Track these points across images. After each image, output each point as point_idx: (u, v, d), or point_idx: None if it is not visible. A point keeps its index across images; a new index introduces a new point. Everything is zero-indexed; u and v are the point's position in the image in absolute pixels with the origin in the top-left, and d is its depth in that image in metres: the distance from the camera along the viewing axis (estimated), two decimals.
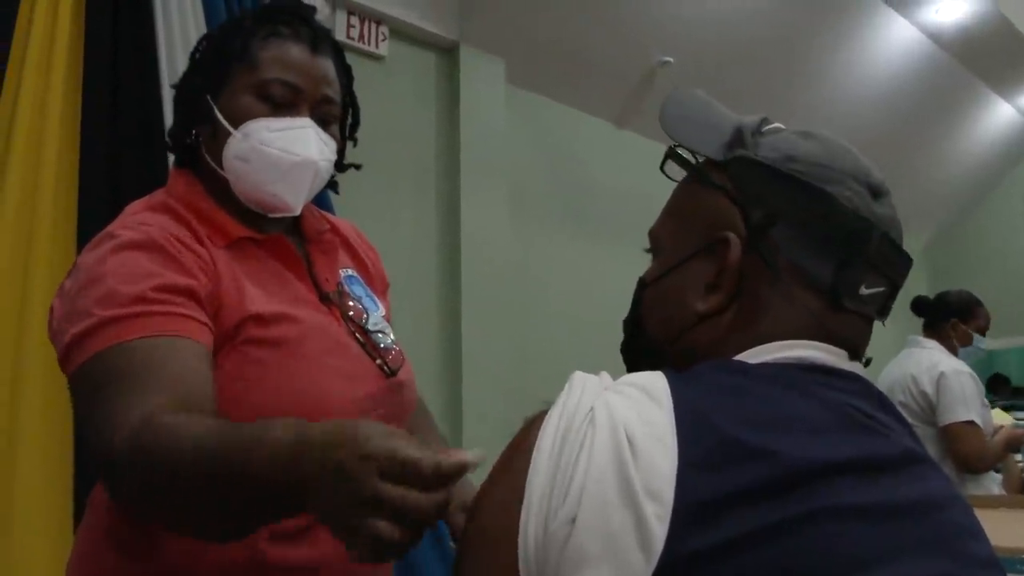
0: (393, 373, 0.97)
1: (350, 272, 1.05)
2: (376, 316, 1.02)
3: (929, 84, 4.99)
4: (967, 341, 2.72)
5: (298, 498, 0.58)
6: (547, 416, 0.55)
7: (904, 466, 0.55)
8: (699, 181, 0.67)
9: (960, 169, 6.02)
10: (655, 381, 0.55)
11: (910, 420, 1.38)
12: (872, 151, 0.69)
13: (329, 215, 1.10)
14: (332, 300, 0.97)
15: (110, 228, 0.86)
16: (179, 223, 0.89)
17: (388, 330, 1.02)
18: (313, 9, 1.00)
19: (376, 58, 3.19)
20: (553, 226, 3.89)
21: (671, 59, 4.01)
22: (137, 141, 2.02)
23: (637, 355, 0.71)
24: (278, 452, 0.59)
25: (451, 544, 1.07)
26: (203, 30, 2.19)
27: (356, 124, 1.07)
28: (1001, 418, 3.33)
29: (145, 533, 0.85)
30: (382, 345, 0.98)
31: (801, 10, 4.10)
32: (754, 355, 0.60)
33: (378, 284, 1.10)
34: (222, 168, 0.93)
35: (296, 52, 0.93)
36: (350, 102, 1.04)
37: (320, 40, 0.96)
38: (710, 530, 0.46)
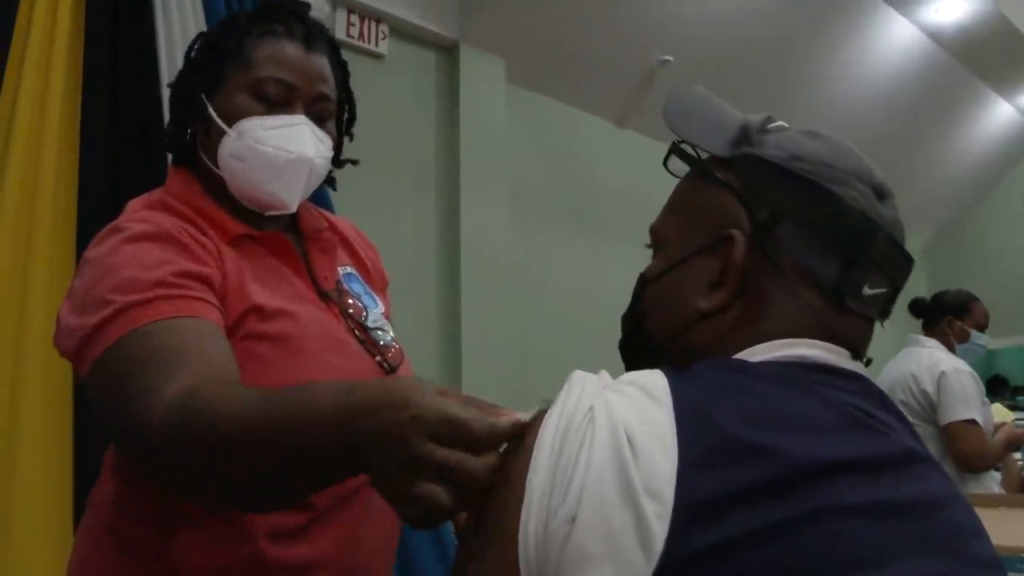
0: (393, 370, 0.97)
1: (349, 270, 1.05)
2: (375, 313, 1.02)
3: (929, 83, 4.99)
4: (964, 338, 2.72)
5: (350, 462, 0.57)
6: (547, 415, 0.55)
7: (905, 465, 0.55)
8: (703, 177, 0.67)
9: (960, 169, 6.03)
10: (655, 380, 0.55)
11: (911, 419, 1.38)
12: (872, 150, 0.69)
13: (328, 213, 1.10)
14: (331, 297, 0.97)
15: (116, 223, 0.87)
16: (181, 219, 0.89)
17: (387, 328, 1.02)
18: (307, 6, 1.00)
19: (376, 57, 3.19)
20: (553, 225, 3.89)
21: (671, 58, 4.01)
22: (137, 141, 2.02)
23: (637, 352, 0.71)
24: (327, 415, 0.57)
25: (454, 539, 1.07)
26: (203, 29, 2.19)
27: (352, 120, 1.07)
28: (1001, 414, 3.33)
29: (146, 531, 0.85)
30: (381, 343, 0.98)
31: (801, 9, 4.11)
32: (755, 353, 0.60)
33: (377, 282, 1.11)
34: (218, 167, 0.93)
35: (290, 50, 0.93)
36: (346, 98, 1.04)
37: (314, 37, 0.96)
38: (711, 529, 0.46)
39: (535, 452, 0.52)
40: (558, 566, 0.48)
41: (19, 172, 1.82)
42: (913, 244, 6.01)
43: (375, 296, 1.05)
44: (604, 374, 0.58)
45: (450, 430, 0.53)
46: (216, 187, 0.95)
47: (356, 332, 0.96)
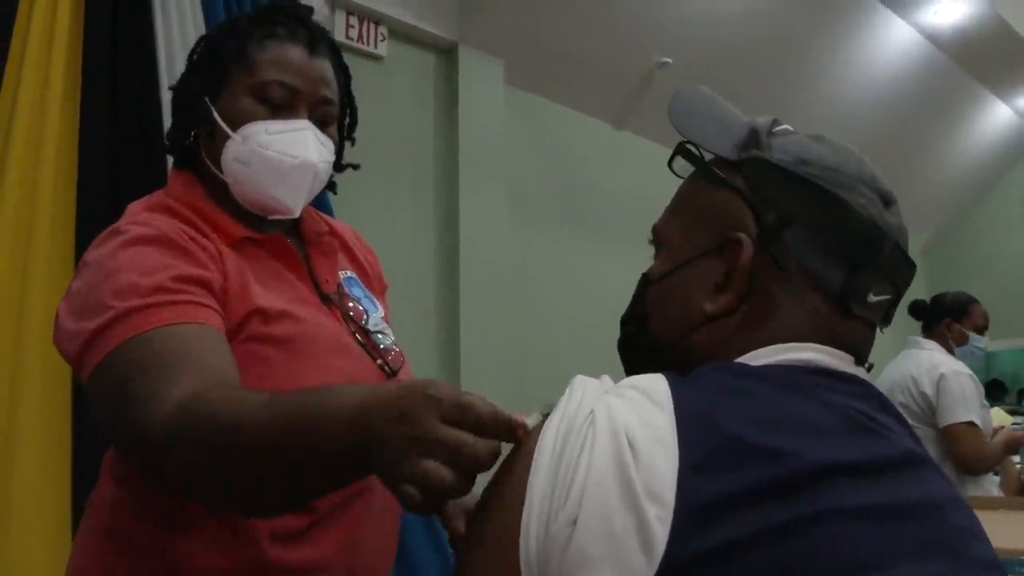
0: (394, 373, 0.97)
1: (349, 274, 1.05)
2: (376, 317, 1.02)
3: (927, 85, 5.00)
4: (963, 341, 2.72)
5: (360, 460, 0.57)
6: (548, 419, 0.55)
7: (905, 468, 0.55)
8: (709, 179, 0.67)
9: (958, 171, 6.04)
10: (656, 384, 0.55)
11: (910, 421, 1.37)
12: (870, 152, 0.69)
13: (327, 217, 1.10)
14: (332, 301, 0.97)
15: (116, 225, 0.86)
16: (182, 222, 0.89)
17: (388, 331, 1.02)
18: (310, 10, 1.00)
19: (375, 58, 3.19)
20: (552, 227, 3.89)
21: (670, 60, 4.01)
22: (136, 138, 2.02)
23: (637, 352, 0.71)
24: (351, 407, 0.58)
25: (450, 551, 1.07)
26: (202, 27, 2.19)
27: (354, 124, 1.07)
28: (1001, 418, 3.33)
29: (146, 534, 0.85)
30: (382, 346, 0.98)
31: (799, 11, 4.11)
32: (758, 357, 0.60)
33: (376, 286, 1.11)
34: (221, 170, 0.93)
35: (293, 53, 0.93)
36: (348, 102, 1.04)
37: (317, 41, 0.96)
38: (712, 532, 0.46)
39: (536, 455, 0.52)
40: (559, 569, 0.48)
41: (19, 170, 1.83)
42: (912, 246, 5.98)
43: (375, 300, 1.05)
44: (606, 378, 0.58)
45: (461, 413, 0.53)
46: (218, 190, 0.95)
47: (357, 335, 0.96)
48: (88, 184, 1.94)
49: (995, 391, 5.39)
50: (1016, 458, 2.88)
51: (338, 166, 1.05)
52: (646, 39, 3.91)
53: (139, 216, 0.88)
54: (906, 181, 5.19)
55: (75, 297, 0.81)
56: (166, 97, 2.04)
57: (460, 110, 3.40)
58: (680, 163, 0.70)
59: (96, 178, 1.95)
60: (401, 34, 3.29)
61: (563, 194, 3.97)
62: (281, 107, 0.92)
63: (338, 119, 1.01)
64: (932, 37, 4.67)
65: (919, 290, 3.69)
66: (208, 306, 0.81)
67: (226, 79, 0.93)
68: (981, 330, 2.76)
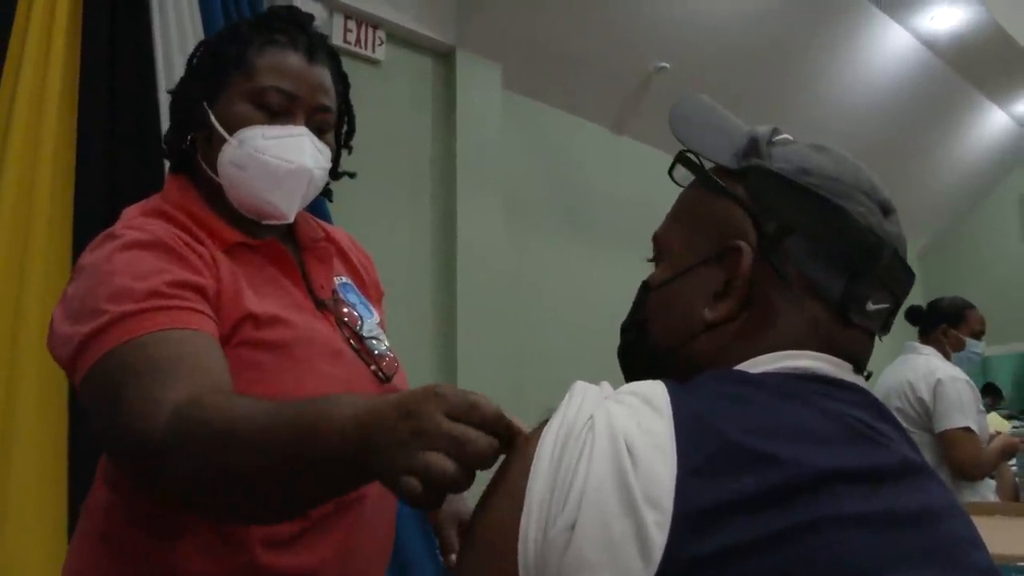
0: (388, 379, 0.97)
1: (344, 280, 1.05)
2: (370, 323, 1.02)
3: (924, 91, 5.01)
4: (959, 346, 2.73)
5: (360, 465, 0.57)
6: (547, 424, 0.55)
7: (904, 476, 0.55)
8: (710, 188, 0.67)
9: (954, 176, 6.05)
10: (655, 390, 0.55)
11: (907, 426, 1.37)
12: (867, 158, 0.69)
13: (324, 223, 1.10)
14: (327, 306, 0.97)
15: (112, 230, 0.86)
16: (177, 227, 0.89)
17: (382, 337, 1.02)
18: (311, 17, 1.00)
19: (373, 62, 3.19)
20: (549, 232, 3.89)
21: (667, 65, 4.02)
22: (133, 138, 2.03)
23: (636, 359, 0.71)
24: (351, 416, 0.58)
25: (440, 557, 1.06)
26: (199, 27, 2.20)
27: (351, 132, 1.07)
28: (998, 424, 3.34)
29: (140, 539, 0.85)
30: (376, 352, 0.98)
31: (797, 16, 4.12)
32: (757, 364, 0.60)
33: (372, 292, 1.11)
34: (217, 174, 0.93)
35: (293, 60, 0.94)
36: (346, 110, 1.04)
37: (317, 48, 0.96)
38: (710, 538, 0.46)
39: (535, 460, 0.53)
40: (558, 573, 0.48)
41: (16, 170, 1.83)
42: (909, 251, 6.01)
43: (370, 306, 1.05)
44: (605, 384, 0.58)
45: (466, 409, 0.54)
46: (214, 194, 0.95)
47: (351, 341, 0.96)
48: (85, 184, 1.95)
49: (991, 396, 5.39)
50: (1012, 463, 2.88)
51: (334, 174, 1.05)
52: (644, 43, 3.92)
53: (134, 221, 0.88)
54: (903, 187, 5.20)
55: (70, 301, 0.81)
56: (164, 98, 2.05)
57: (458, 114, 3.41)
58: (680, 171, 0.70)
59: (93, 178, 1.96)
60: (399, 38, 3.30)
61: (561, 199, 3.97)
62: (278, 113, 0.92)
63: (335, 127, 1.01)
64: (929, 43, 4.68)
65: (916, 295, 3.69)
66: (202, 312, 0.81)
67: (225, 84, 0.93)
68: (978, 335, 2.77)
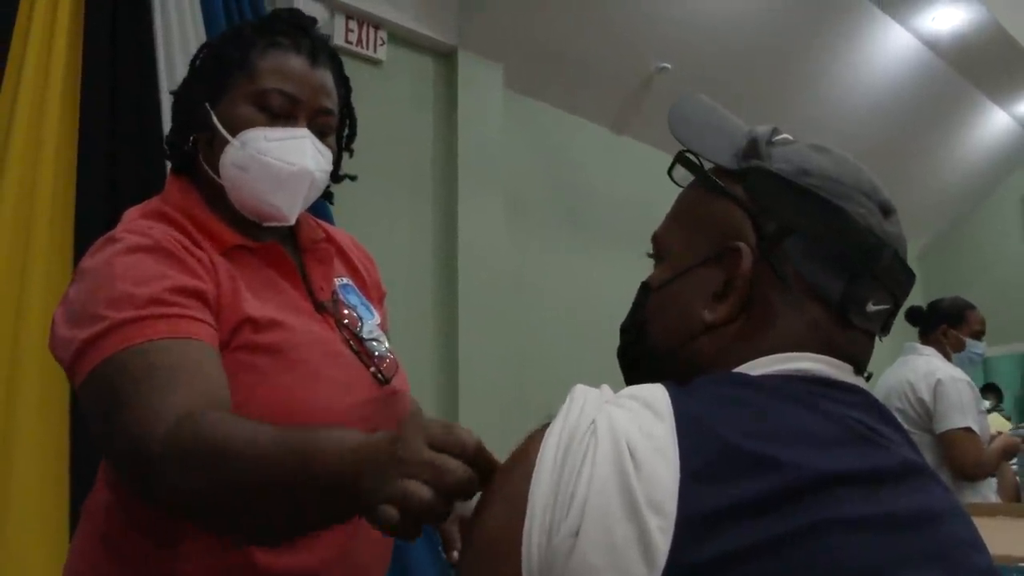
0: (387, 381, 0.97)
1: (345, 281, 1.05)
2: (370, 324, 1.02)
3: (925, 91, 5.00)
4: (959, 347, 2.73)
5: (351, 496, 0.58)
6: (549, 429, 0.55)
7: (905, 478, 0.55)
8: (709, 188, 0.67)
9: (956, 176, 6.04)
10: (656, 394, 0.55)
11: (907, 427, 1.37)
12: (868, 158, 0.69)
13: (325, 224, 1.10)
14: (326, 308, 0.97)
15: (112, 233, 0.86)
16: (177, 230, 0.89)
17: (383, 338, 1.02)
18: (314, 20, 1.00)
19: (374, 63, 3.19)
20: (551, 232, 3.89)
21: (669, 65, 4.01)
22: (135, 138, 2.03)
23: (636, 360, 0.71)
24: (345, 450, 0.59)
25: (442, 554, 1.07)
26: (201, 27, 2.20)
27: (353, 136, 1.07)
28: (999, 424, 3.33)
29: (140, 541, 0.85)
30: (376, 353, 0.98)
31: (798, 16, 4.12)
32: (757, 366, 0.60)
33: (374, 293, 1.10)
34: (219, 176, 0.93)
35: (295, 63, 0.94)
36: (347, 113, 1.04)
37: (319, 51, 0.96)
38: (713, 542, 0.46)
39: (537, 465, 0.52)
40: None
41: (18, 169, 1.83)
42: (909, 252, 6.00)
43: (371, 307, 1.05)
44: (606, 388, 0.58)
45: (445, 440, 0.55)
46: (215, 196, 0.95)
47: (351, 343, 0.96)
48: (87, 184, 1.95)
49: (992, 396, 5.39)
50: (1013, 463, 2.88)
51: (336, 176, 1.05)
52: (645, 44, 3.91)
53: (135, 224, 0.88)
54: (904, 187, 5.20)
55: (70, 304, 0.82)
56: (165, 98, 2.05)
57: (459, 114, 3.40)
58: (680, 171, 0.70)
59: (95, 178, 1.96)
60: (400, 38, 3.30)
61: (562, 198, 3.97)
62: (280, 116, 0.93)
63: (337, 130, 1.01)
64: (930, 43, 4.67)
65: (916, 296, 3.69)
66: (202, 320, 0.81)
67: (227, 85, 0.93)
68: (978, 336, 2.77)
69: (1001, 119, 5.73)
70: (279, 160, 0.92)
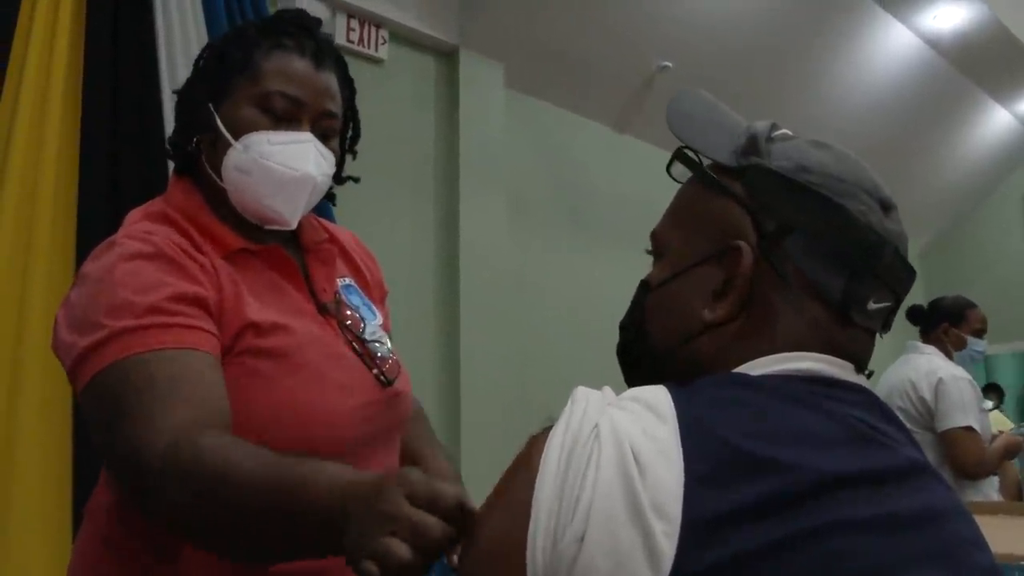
0: (390, 383, 0.96)
1: (348, 281, 1.04)
2: (373, 325, 1.01)
3: (927, 90, 5.00)
4: (961, 345, 2.72)
5: (335, 532, 0.60)
6: (551, 432, 0.54)
7: (908, 478, 0.55)
8: (708, 185, 0.66)
9: (957, 175, 6.03)
10: (659, 396, 0.55)
11: (908, 426, 1.36)
12: (870, 157, 0.68)
13: (328, 224, 1.09)
14: (329, 310, 0.97)
15: (114, 238, 0.86)
16: (179, 233, 0.89)
17: (385, 339, 1.02)
18: (318, 22, 0.99)
19: (375, 62, 3.19)
20: (552, 231, 3.89)
21: (670, 64, 4.01)
22: (136, 138, 2.03)
23: (636, 359, 0.70)
24: (334, 486, 0.61)
25: (443, 556, 1.06)
26: (203, 27, 2.20)
27: (356, 138, 1.06)
28: (1000, 423, 3.33)
29: (143, 543, 0.85)
30: (379, 355, 0.98)
31: (800, 15, 4.11)
32: (759, 366, 0.59)
33: (376, 293, 1.10)
34: (221, 178, 0.93)
35: (299, 65, 0.93)
36: (351, 115, 1.04)
37: (324, 54, 0.96)
38: (717, 547, 0.46)
39: (541, 469, 0.52)
40: None
41: (20, 170, 1.83)
42: (910, 250, 5.96)
43: (373, 308, 1.05)
44: (608, 390, 0.58)
45: (427, 496, 0.56)
46: (217, 198, 0.95)
47: (354, 345, 0.96)
48: (89, 184, 1.95)
49: (993, 395, 5.38)
50: (1015, 463, 2.88)
51: (338, 178, 1.05)
52: (647, 43, 3.91)
53: (136, 228, 0.88)
54: (905, 185, 5.19)
55: (72, 308, 0.82)
56: (167, 98, 2.05)
57: (460, 113, 3.40)
58: (679, 168, 0.69)
59: (97, 178, 1.96)
60: (402, 37, 3.30)
61: (563, 198, 3.97)
62: (284, 118, 0.92)
63: (340, 132, 1.01)
64: (932, 42, 4.67)
65: (918, 294, 3.69)
66: (202, 328, 0.81)
67: (231, 87, 0.93)
68: (979, 334, 2.76)
69: (1003, 117, 5.72)
70: (282, 164, 0.91)
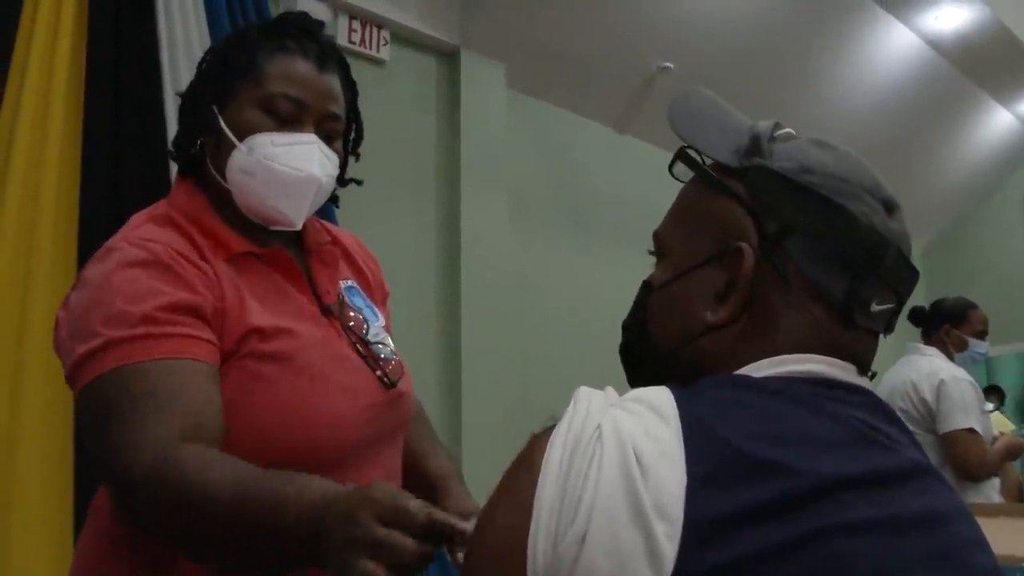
0: (393, 384, 0.97)
1: (350, 283, 1.05)
2: (376, 327, 1.01)
3: (928, 91, 5.00)
4: (962, 346, 2.72)
5: (312, 549, 0.62)
6: (554, 432, 0.54)
7: (911, 479, 0.55)
8: (710, 186, 0.66)
9: (959, 176, 6.03)
10: (661, 397, 0.54)
11: (910, 427, 1.36)
12: (871, 157, 0.68)
13: (330, 225, 1.10)
14: (332, 312, 0.97)
15: (115, 242, 0.87)
16: (182, 237, 0.89)
17: (388, 341, 1.02)
18: (321, 24, 0.99)
19: (377, 62, 3.19)
20: (554, 231, 3.89)
21: (671, 64, 4.01)
22: (138, 140, 2.03)
23: (638, 359, 0.70)
24: (309, 502, 0.64)
25: (446, 553, 1.07)
26: (204, 30, 2.20)
27: (359, 139, 1.07)
28: (1002, 425, 3.33)
29: (147, 540, 0.85)
30: (382, 356, 0.98)
31: (801, 16, 4.11)
32: (761, 368, 0.59)
33: (378, 294, 1.10)
34: (225, 180, 0.93)
35: (303, 68, 0.93)
36: (354, 117, 1.04)
37: (327, 56, 0.96)
38: (719, 549, 0.46)
39: (543, 468, 0.52)
40: None
41: (22, 171, 1.83)
42: (912, 250, 5.98)
43: (376, 309, 1.05)
44: (610, 390, 0.58)
45: (396, 515, 0.59)
46: (221, 199, 0.95)
47: (357, 346, 0.96)
48: (91, 186, 1.95)
49: (993, 398, 5.37)
50: (1016, 464, 2.87)
51: (341, 180, 1.05)
52: (648, 43, 3.91)
53: (139, 232, 0.88)
54: (907, 185, 5.19)
55: (72, 311, 0.83)
56: (169, 99, 2.05)
57: (462, 114, 3.41)
58: (680, 167, 0.68)
59: (99, 180, 1.96)
60: (403, 38, 3.30)
61: (565, 198, 3.97)
62: (288, 120, 0.92)
63: (343, 134, 1.01)
64: (933, 42, 4.67)
65: (919, 295, 3.67)
66: (197, 337, 0.82)
67: (234, 90, 0.93)
68: (980, 335, 2.76)
69: (1004, 118, 5.72)
70: (286, 166, 0.91)
